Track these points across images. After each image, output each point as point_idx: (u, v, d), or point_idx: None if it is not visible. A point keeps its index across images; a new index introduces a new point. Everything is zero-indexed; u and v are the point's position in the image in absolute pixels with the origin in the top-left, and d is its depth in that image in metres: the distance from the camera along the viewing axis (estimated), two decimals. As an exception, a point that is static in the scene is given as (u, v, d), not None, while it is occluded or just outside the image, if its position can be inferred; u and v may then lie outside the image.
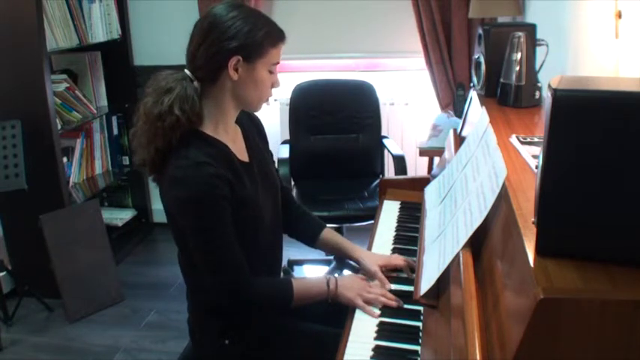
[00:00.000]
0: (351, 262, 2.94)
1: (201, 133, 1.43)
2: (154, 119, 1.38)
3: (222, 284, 1.40)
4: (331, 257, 3.12)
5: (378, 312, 1.43)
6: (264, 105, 1.54)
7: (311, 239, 1.72)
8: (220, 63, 1.39)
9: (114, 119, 3.61)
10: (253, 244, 1.49)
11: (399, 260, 1.61)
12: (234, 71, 1.40)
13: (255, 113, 1.62)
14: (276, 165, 1.76)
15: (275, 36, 1.43)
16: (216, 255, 1.38)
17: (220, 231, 1.38)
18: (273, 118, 3.44)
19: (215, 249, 1.38)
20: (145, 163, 1.43)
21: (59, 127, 2.92)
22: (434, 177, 1.88)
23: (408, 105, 3.46)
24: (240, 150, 1.51)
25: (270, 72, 1.45)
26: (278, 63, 1.47)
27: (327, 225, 1.74)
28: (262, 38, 1.40)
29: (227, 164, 1.42)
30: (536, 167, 0.94)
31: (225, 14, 1.39)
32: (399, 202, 2.04)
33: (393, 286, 1.54)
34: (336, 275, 1.54)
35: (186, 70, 1.43)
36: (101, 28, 3.30)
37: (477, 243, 1.22)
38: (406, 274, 1.59)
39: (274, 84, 1.48)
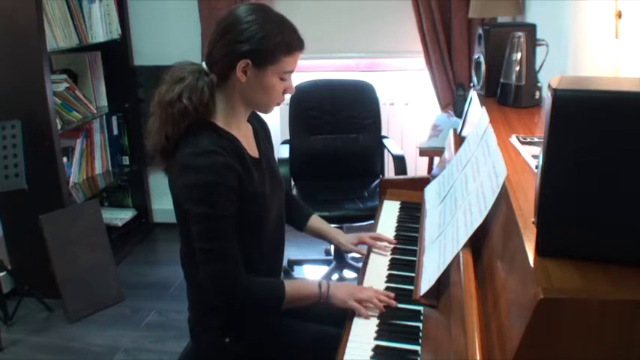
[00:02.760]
0: (351, 262, 2.95)
1: (213, 125, 1.45)
2: (165, 105, 1.43)
3: (215, 275, 1.41)
4: (331, 257, 3.12)
5: (372, 313, 1.42)
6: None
7: (300, 224, 1.79)
8: (230, 64, 1.41)
9: (114, 119, 3.60)
10: (257, 239, 1.50)
11: (370, 240, 1.74)
12: (242, 74, 1.41)
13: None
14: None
15: (291, 45, 1.43)
16: (214, 244, 1.39)
17: (222, 221, 1.39)
18: (273, 118, 3.44)
19: (214, 238, 1.39)
20: (155, 148, 1.47)
21: (59, 127, 2.92)
22: (434, 177, 1.88)
23: (408, 105, 3.46)
24: (250, 146, 1.53)
25: (282, 79, 1.46)
26: (292, 71, 1.47)
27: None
28: (275, 46, 1.40)
29: (237, 156, 1.43)
30: (536, 167, 0.94)
31: (244, 17, 1.41)
32: (399, 202, 2.04)
33: (394, 285, 1.54)
34: (329, 280, 1.54)
35: (204, 64, 1.47)
36: (101, 28, 3.30)
37: (477, 243, 1.22)
38: (372, 246, 1.72)
39: (287, 90, 1.49)
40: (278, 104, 1.52)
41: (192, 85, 1.42)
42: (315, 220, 1.80)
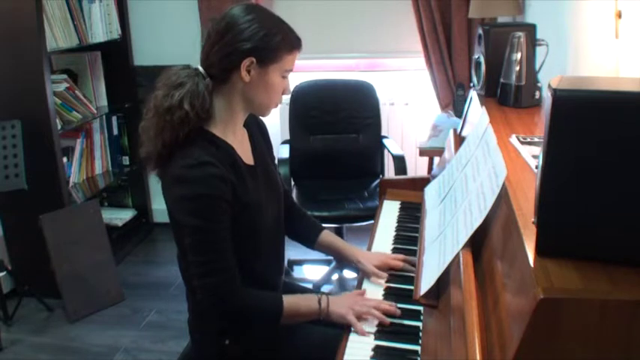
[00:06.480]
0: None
1: (208, 133, 1.43)
2: (163, 112, 1.39)
3: (209, 288, 1.38)
4: (331, 257, 3.12)
5: (371, 329, 1.37)
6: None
7: (310, 241, 1.73)
8: (233, 63, 1.39)
9: (114, 119, 3.60)
10: (255, 246, 1.49)
11: (396, 262, 1.61)
12: (246, 72, 1.40)
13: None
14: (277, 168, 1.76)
15: (291, 42, 1.43)
16: (208, 257, 1.37)
17: (216, 233, 1.37)
18: (273, 118, 3.44)
19: (208, 251, 1.37)
20: (150, 156, 1.44)
21: (59, 127, 2.92)
22: (434, 177, 1.88)
23: (408, 105, 3.46)
24: (245, 153, 1.51)
25: (283, 77, 1.45)
26: (291, 70, 1.47)
27: (327, 225, 1.73)
28: (278, 43, 1.40)
29: (231, 166, 1.42)
30: (536, 167, 0.94)
31: (243, 16, 1.40)
32: (399, 202, 2.04)
33: (394, 285, 1.54)
34: (329, 294, 1.49)
35: (200, 67, 1.44)
36: (101, 28, 3.30)
37: (477, 243, 1.22)
38: (406, 270, 1.59)
39: (285, 90, 1.49)
40: (276, 106, 1.51)
41: (194, 90, 1.38)
42: (328, 235, 1.73)
